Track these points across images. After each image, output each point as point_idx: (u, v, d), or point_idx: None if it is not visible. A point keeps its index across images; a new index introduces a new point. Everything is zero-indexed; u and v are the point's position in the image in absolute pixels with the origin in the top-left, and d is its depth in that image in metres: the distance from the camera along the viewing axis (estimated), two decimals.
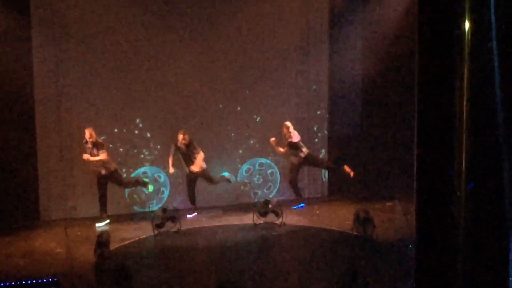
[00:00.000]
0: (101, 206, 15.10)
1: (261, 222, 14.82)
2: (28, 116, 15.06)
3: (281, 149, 16.14)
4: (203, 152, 15.61)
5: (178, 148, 15.57)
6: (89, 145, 14.81)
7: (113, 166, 15.14)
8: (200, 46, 16.19)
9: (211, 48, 16.29)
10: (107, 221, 15.03)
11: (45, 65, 15.19)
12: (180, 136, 15.47)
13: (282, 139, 16.11)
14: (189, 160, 15.60)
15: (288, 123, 16.10)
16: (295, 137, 16.07)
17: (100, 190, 15.08)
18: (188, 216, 15.48)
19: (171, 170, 15.67)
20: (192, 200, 15.91)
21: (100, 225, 14.84)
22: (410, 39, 9.19)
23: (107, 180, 15.10)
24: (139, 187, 15.71)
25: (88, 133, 14.79)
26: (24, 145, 15.01)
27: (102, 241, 12.43)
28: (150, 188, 15.56)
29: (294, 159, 16.22)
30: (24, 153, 15.01)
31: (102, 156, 14.83)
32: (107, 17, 15.57)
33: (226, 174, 16.13)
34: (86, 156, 14.77)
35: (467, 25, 7.28)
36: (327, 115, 17.18)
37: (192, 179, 15.83)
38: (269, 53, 16.64)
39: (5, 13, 14.51)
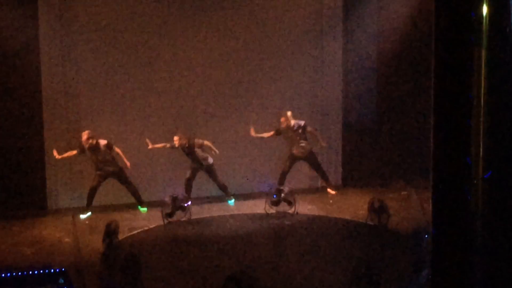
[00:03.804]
0: (89, 199, 14.90)
1: (273, 211, 14.64)
2: (35, 105, 15.01)
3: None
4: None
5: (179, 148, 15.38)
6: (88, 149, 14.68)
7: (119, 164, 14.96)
8: (212, 33, 16.03)
9: (222, 36, 16.13)
10: (89, 213, 14.83)
11: (52, 54, 15.12)
12: (175, 138, 15.29)
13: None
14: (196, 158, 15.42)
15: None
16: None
17: (94, 183, 14.85)
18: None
19: (150, 145, 15.38)
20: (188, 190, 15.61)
21: (84, 217, 14.71)
22: (427, 24, 8.95)
23: (108, 177, 14.91)
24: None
25: (85, 136, 14.64)
26: (31, 134, 14.97)
27: (110, 230, 12.28)
28: (143, 210, 15.22)
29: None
30: (31, 141, 14.97)
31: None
32: (116, 8, 15.50)
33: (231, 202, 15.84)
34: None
35: (484, 9, 7.05)
36: (342, 103, 16.95)
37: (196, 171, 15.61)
38: (282, 40, 16.43)
39: (12, 4, 14.43)
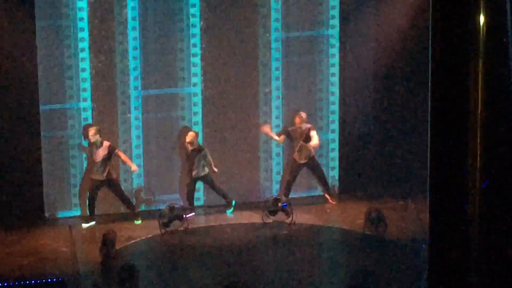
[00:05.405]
0: (90, 208, 14.74)
1: (271, 220, 14.61)
2: (33, 113, 14.90)
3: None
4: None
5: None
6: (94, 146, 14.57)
7: (115, 172, 14.88)
8: (208, 40, 15.99)
9: (218, 44, 16.06)
10: (93, 222, 14.66)
11: (50, 60, 15.04)
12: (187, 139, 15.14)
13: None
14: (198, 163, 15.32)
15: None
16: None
17: (92, 194, 14.71)
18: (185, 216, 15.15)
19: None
20: (191, 200, 15.54)
21: (87, 226, 14.55)
22: (423, 34, 8.97)
23: (103, 186, 14.76)
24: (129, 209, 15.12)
25: (92, 131, 14.51)
26: (29, 142, 14.84)
27: (107, 240, 12.31)
28: (137, 222, 15.14)
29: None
30: (28, 150, 14.84)
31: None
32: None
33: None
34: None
35: (481, 19, 7.04)
36: (339, 112, 16.94)
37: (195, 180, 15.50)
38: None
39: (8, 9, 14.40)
